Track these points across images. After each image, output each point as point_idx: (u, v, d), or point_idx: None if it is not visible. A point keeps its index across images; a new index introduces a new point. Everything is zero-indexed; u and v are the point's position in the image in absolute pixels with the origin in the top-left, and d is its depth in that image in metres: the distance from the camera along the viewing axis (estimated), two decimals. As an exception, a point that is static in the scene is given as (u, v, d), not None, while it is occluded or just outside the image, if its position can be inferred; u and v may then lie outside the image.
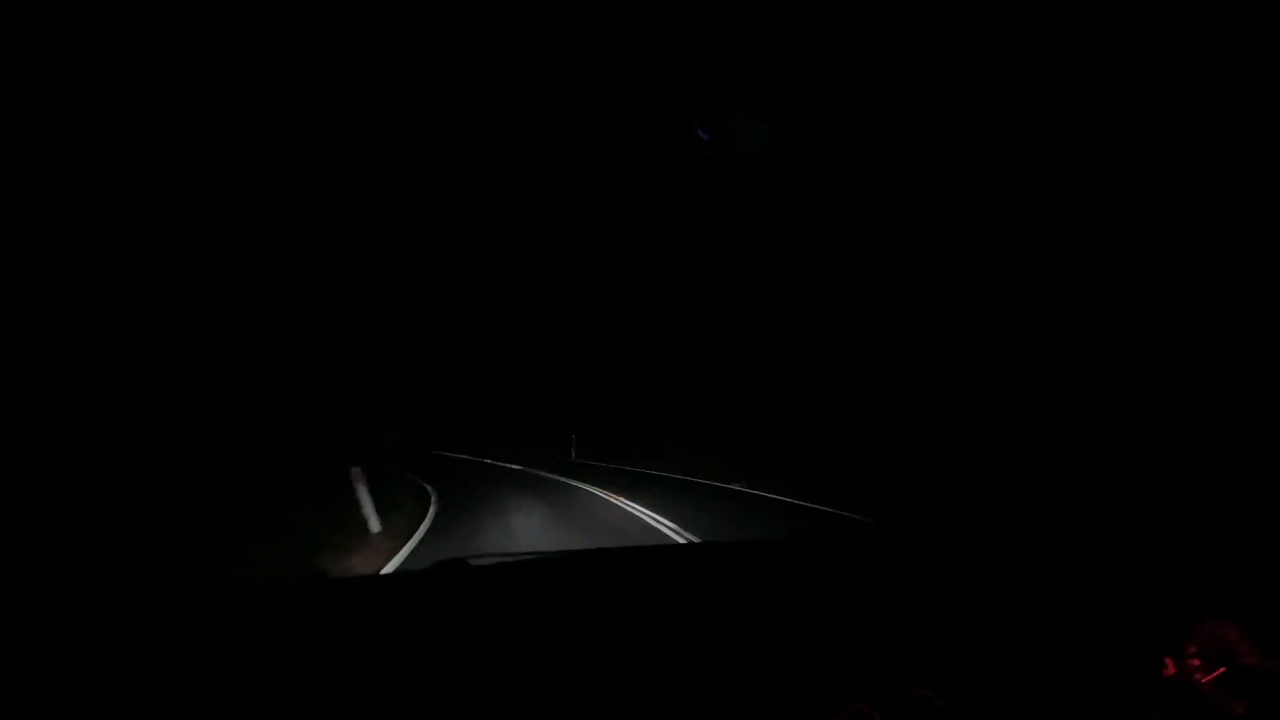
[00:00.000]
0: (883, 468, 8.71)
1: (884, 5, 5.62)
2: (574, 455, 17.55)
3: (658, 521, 7.38)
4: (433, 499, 9.38)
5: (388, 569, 5.10)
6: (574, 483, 11.41)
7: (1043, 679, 1.09)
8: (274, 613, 1.08)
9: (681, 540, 6.12)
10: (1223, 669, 1.15)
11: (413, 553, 5.87)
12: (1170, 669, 1.14)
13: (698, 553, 1.70)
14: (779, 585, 1.23)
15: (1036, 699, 1.07)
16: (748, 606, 1.14)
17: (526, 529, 6.93)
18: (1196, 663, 1.16)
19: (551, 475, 12.76)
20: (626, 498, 9.25)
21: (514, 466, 15.20)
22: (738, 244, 12.21)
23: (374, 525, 6.83)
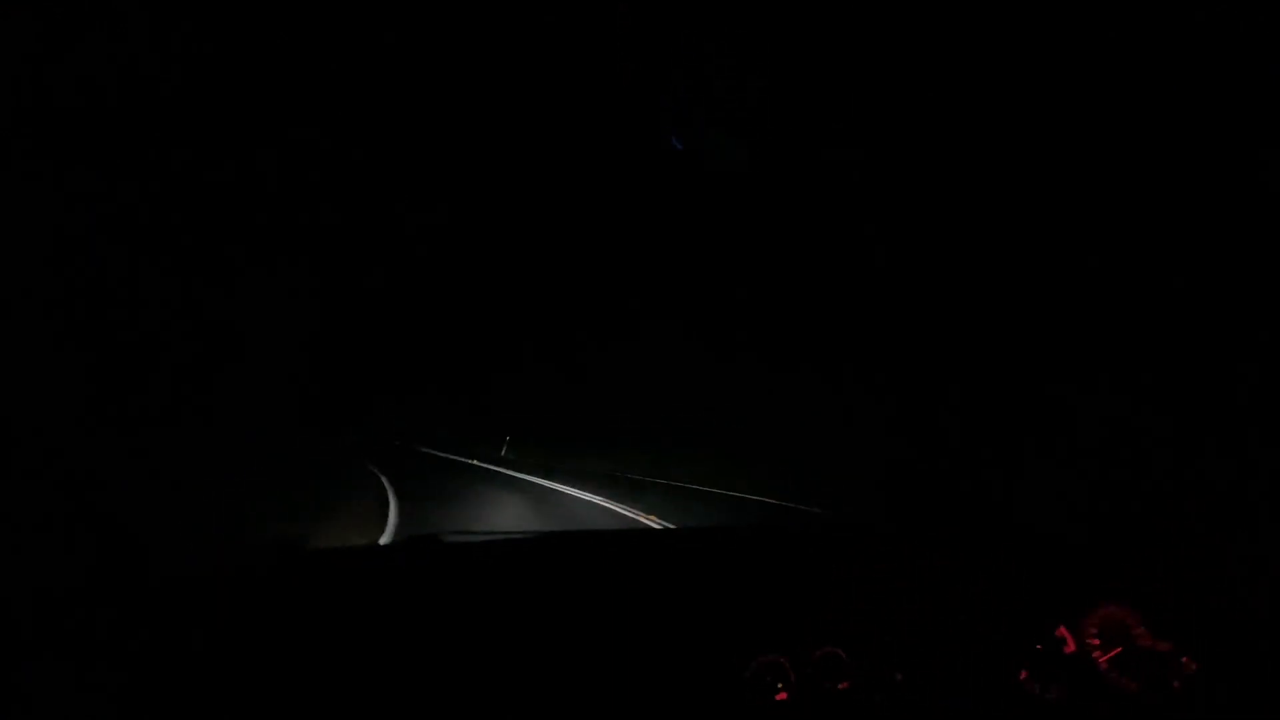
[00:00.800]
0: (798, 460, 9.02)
1: (850, 28, 5.81)
2: (504, 452, 17.91)
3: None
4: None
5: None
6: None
7: (946, 644, 1.16)
8: (248, 580, 1.09)
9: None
10: (1119, 649, 1.23)
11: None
12: (1070, 647, 1.22)
13: (651, 537, 1.77)
14: (723, 565, 1.30)
15: (939, 660, 1.14)
16: (687, 581, 1.21)
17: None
18: (1096, 642, 1.24)
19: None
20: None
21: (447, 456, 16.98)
22: (703, 248, 12.40)
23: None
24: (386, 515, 6.23)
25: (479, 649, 1.03)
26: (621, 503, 8.23)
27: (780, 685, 1.09)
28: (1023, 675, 1.17)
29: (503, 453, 17.86)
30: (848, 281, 8.91)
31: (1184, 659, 1.20)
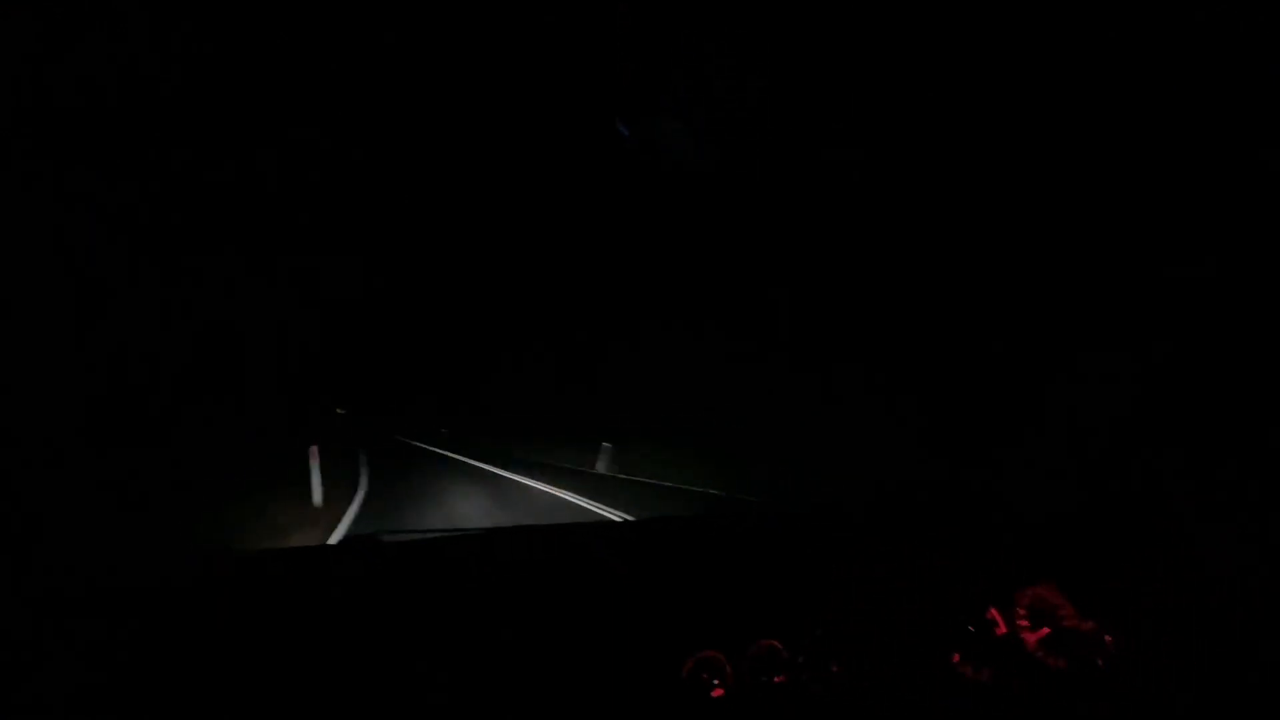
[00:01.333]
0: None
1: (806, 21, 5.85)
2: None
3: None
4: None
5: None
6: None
7: (881, 633, 1.17)
8: (180, 587, 1.07)
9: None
10: (1046, 629, 1.26)
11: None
12: (1002, 629, 1.24)
13: (587, 532, 1.75)
14: (658, 558, 1.29)
15: (875, 649, 1.14)
16: (612, 576, 1.19)
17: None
18: (1025, 624, 1.26)
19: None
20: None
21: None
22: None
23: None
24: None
25: (411, 650, 1.01)
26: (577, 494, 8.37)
27: (716, 682, 1.07)
28: (955, 658, 1.19)
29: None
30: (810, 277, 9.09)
31: (1107, 637, 1.24)
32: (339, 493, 7.31)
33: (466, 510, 6.77)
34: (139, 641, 0.93)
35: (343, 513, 6.09)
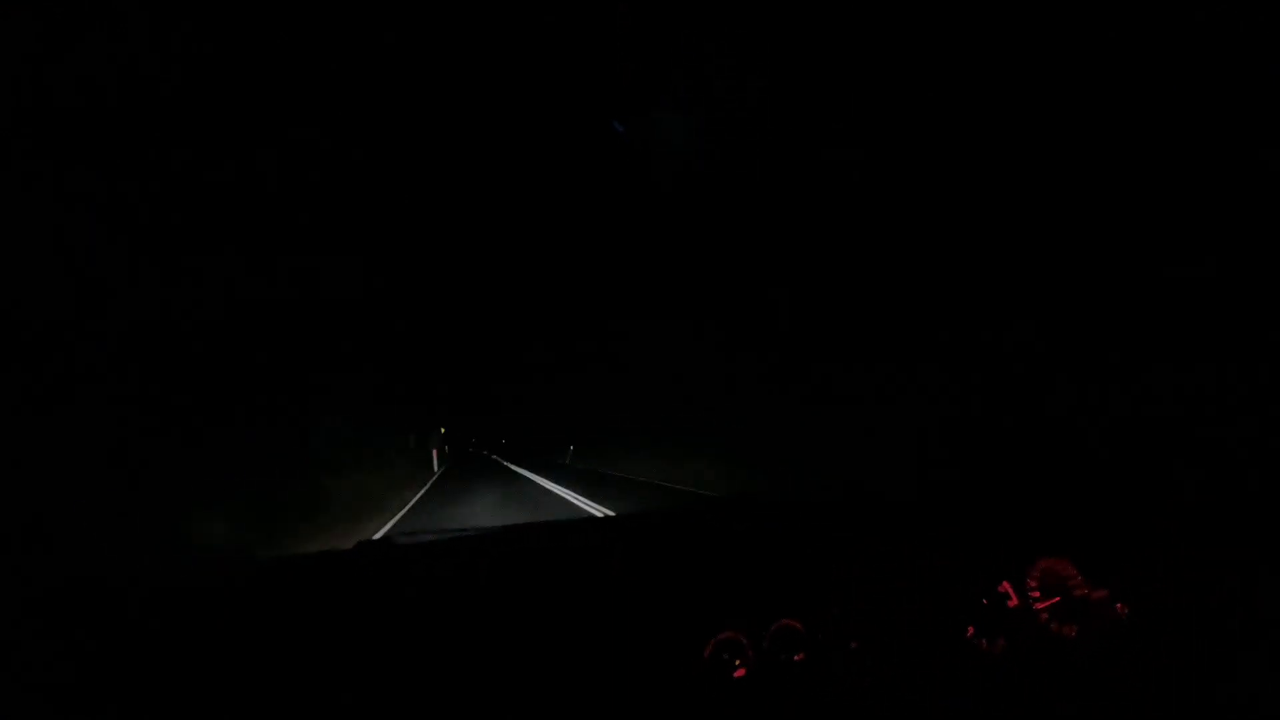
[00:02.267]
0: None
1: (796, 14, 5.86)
2: (569, 460, 21.97)
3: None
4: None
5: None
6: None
7: (897, 610, 1.19)
8: (195, 596, 1.07)
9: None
10: (1057, 599, 1.28)
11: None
12: (1014, 600, 1.27)
13: (602, 525, 1.78)
14: (675, 547, 1.32)
15: (892, 626, 1.17)
16: (633, 563, 1.21)
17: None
18: (1036, 594, 1.29)
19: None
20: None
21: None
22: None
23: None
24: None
25: (436, 650, 1.03)
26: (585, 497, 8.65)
27: (738, 662, 1.10)
28: (970, 631, 1.21)
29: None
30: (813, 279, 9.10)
31: (1118, 605, 1.26)
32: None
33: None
34: (162, 645, 0.95)
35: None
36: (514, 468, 19.83)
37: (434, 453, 20.55)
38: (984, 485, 1.61)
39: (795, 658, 1.13)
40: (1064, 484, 1.53)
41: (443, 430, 21.05)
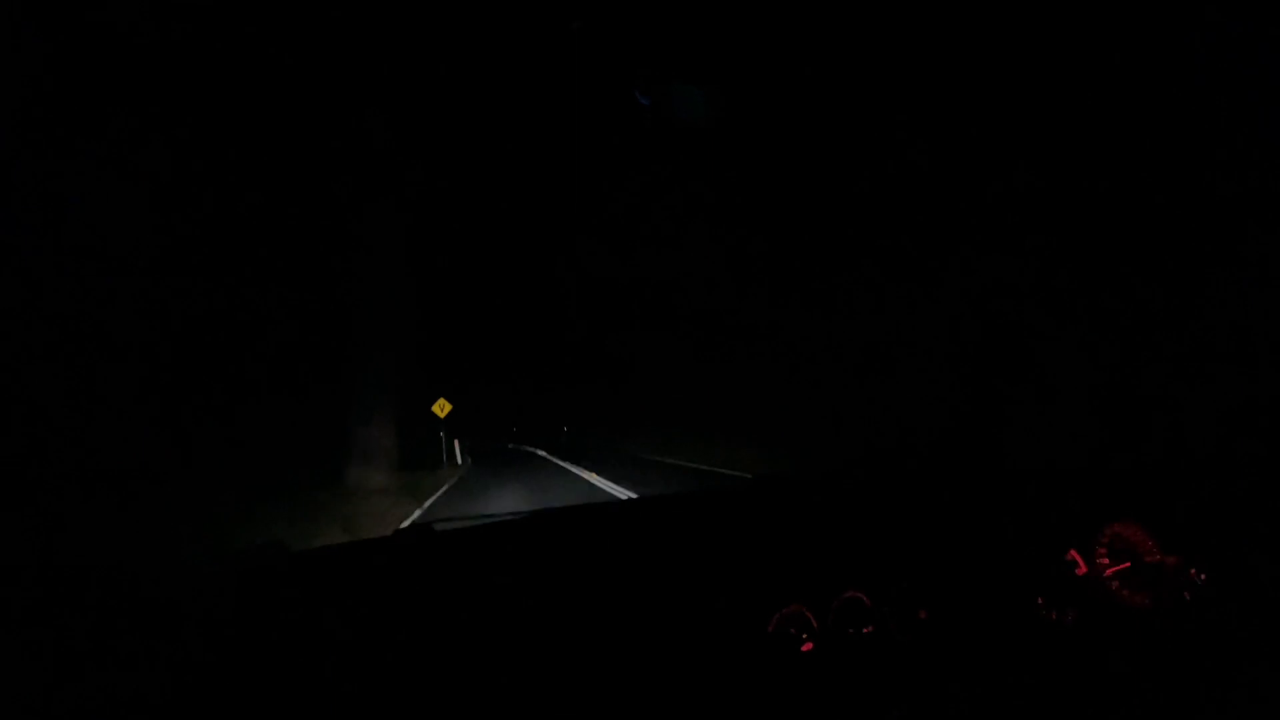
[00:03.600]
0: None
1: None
2: (563, 440, 22.13)
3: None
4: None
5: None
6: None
7: (965, 578, 1.17)
8: (235, 588, 1.06)
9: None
10: (1127, 564, 1.25)
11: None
12: (1082, 568, 1.23)
13: (647, 505, 1.75)
14: (721, 524, 1.28)
15: (959, 595, 1.15)
16: (693, 542, 1.19)
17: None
18: (1106, 562, 1.26)
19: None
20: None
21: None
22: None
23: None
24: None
25: (495, 633, 1.01)
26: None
27: (805, 636, 1.09)
28: (1039, 601, 1.19)
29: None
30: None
31: (1192, 571, 1.22)
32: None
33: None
34: (197, 647, 0.94)
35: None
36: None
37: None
38: (1047, 448, 1.55)
39: (864, 630, 1.11)
40: (1132, 444, 1.47)
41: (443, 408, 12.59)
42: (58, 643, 0.92)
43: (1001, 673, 1.13)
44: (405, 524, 1.35)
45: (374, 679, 0.94)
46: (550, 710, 0.99)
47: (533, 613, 1.05)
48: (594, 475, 10.39)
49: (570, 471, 11.82)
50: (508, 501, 7.97)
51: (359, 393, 9.96)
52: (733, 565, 1.17)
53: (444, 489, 9.69)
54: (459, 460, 15.11)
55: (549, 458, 17.24)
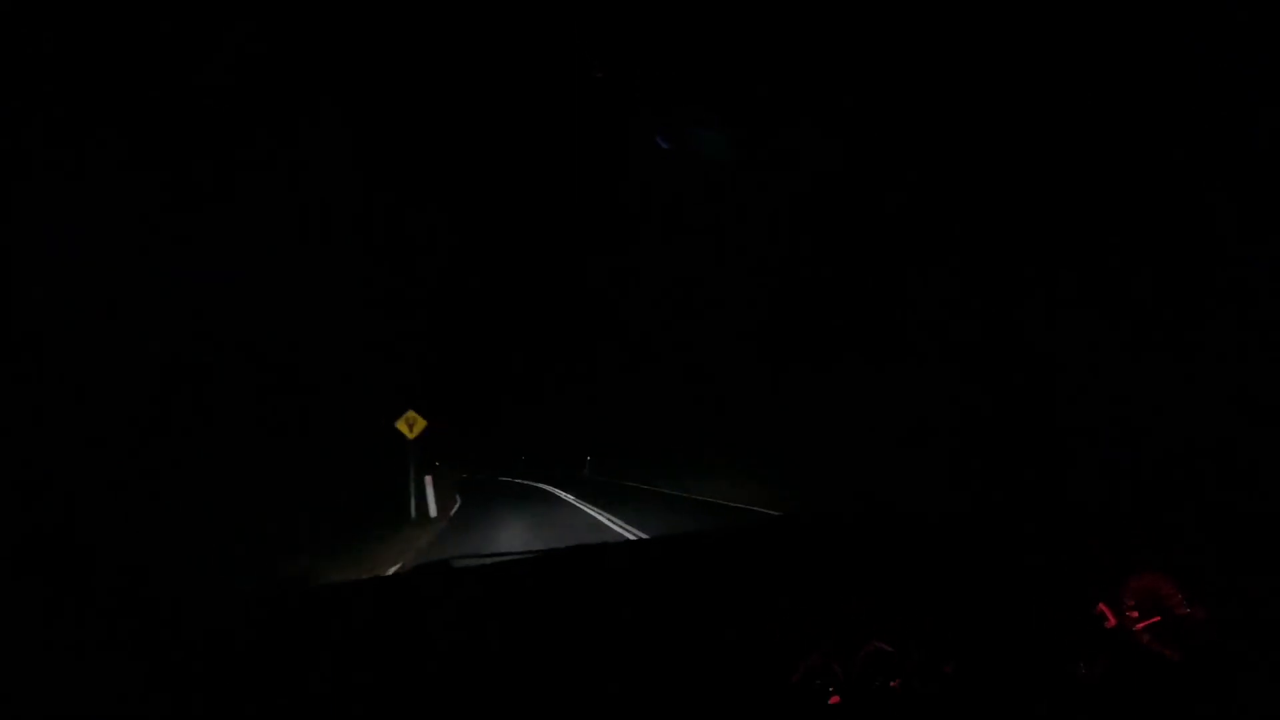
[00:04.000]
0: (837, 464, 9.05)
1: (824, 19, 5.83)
2: (587, 473, 18.06)
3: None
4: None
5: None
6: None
7: (991, 631, 1.17)
8: (259, 621, 1.08)
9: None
10: (1157, 618, 1.24)
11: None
12: (1111, 621, 1.23)
13: (666, 544, 1.76)
14: (741, 566, 1.30)
15: (986, 648, 1.15)
16: (713, 585, 1.21)
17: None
18: (1135, 615, 1.25)
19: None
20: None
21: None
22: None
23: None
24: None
25: (511, 673, 1.02)
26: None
27: (831, 689, 1.09)
28: (1067, 653, 1.18)
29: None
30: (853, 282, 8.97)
31: (1224, 623, 1.21)
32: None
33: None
34: (224, 680, 0.94)
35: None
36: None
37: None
38: (1074, 495, 1.55)
39: (890, 683, 1.11)
40: (1158, 493, 1.47)
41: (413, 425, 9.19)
42: (72, 657, 0.96)
43: None
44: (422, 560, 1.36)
45: (392, 714, 0.94)
46: None
47: (549, 653, 1.05)
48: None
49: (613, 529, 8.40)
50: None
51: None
52: (757, 609, 1.17)
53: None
54: (432, 511, 9.96)
55: (578, 504, 11.61)
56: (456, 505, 12.46)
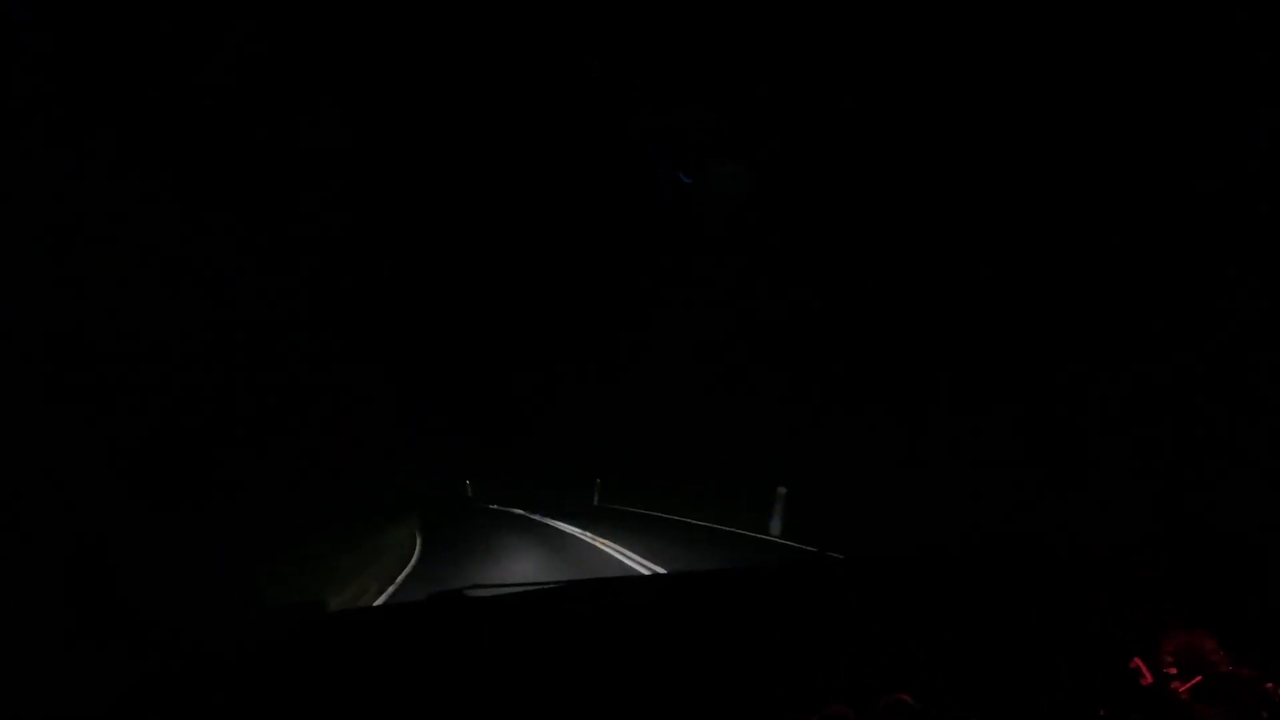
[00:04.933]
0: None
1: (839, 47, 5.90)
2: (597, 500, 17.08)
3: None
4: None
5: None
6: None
7: (1019, 685, 1.12)
8: (271, 647, 1.08)
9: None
10: (1199, 678, 1.18)
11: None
12: (1147, 678, 1.17)
13: (684, 580, 1.72)
14: (763, 606, 1.27)
15: (1013, 703, 1.09)
16: (733, 625, 1.18)
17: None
18: (1173, 671, 1.19)
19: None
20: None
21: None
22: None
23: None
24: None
25: (522, 706, 1.00)
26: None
27: None
28: (1101, 713, 1.12)
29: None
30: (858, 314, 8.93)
31: (1269, 685, 1.15)
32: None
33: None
34: (236, 707, 0.93)
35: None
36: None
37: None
38: (1104, 543, 1.49)
39: None
40: (1199, 545, 1.41)
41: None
42: (83, 673, 0.95)
43: None
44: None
45: None
46: None
47: (562, 688, 1.03)
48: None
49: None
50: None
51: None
52: (775, 652, 1.14)
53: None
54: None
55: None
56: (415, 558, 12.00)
